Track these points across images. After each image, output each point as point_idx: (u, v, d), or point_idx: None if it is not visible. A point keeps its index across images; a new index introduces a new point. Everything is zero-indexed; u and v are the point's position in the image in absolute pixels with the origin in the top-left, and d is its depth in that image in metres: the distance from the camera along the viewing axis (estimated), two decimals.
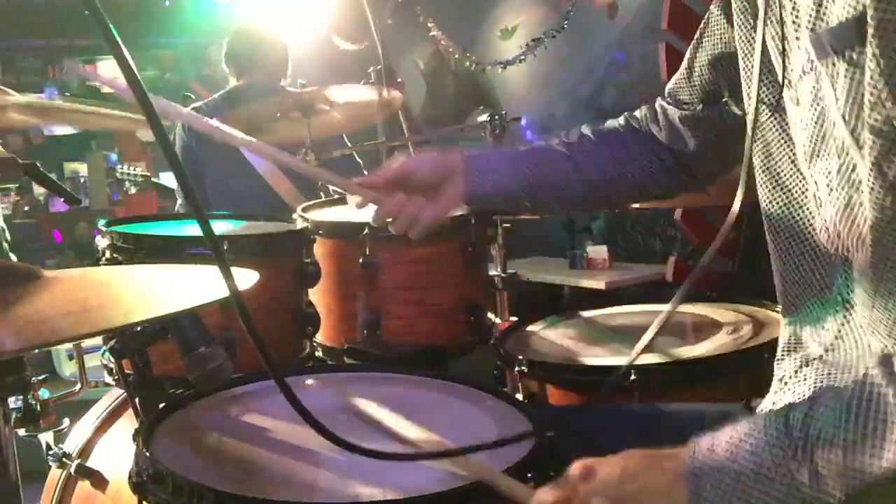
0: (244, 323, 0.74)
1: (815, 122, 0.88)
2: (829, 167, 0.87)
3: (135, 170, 4.55)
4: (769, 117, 1.04)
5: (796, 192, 1.02)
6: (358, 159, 3.31)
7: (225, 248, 1.57)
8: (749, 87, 1.07)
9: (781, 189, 1.04)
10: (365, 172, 3.30)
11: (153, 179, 4.62)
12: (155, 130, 0.65)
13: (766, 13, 0.96)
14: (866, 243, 0.84)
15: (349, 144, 2.91)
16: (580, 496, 0.88)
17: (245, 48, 3.38)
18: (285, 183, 3.13)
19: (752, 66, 1.04)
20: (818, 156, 0.89)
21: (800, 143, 0.94)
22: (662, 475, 0.86)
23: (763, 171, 1.06)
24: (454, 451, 1.02)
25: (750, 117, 0.97)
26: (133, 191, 4.69)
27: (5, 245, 2.99)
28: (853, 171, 0.84)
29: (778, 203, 1.05)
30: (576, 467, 0.90)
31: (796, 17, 0.89)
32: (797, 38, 0.89)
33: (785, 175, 1.04)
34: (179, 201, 3.42)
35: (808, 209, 1.00)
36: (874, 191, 0.80)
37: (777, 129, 1.04)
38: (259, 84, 3.29)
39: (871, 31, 0.75)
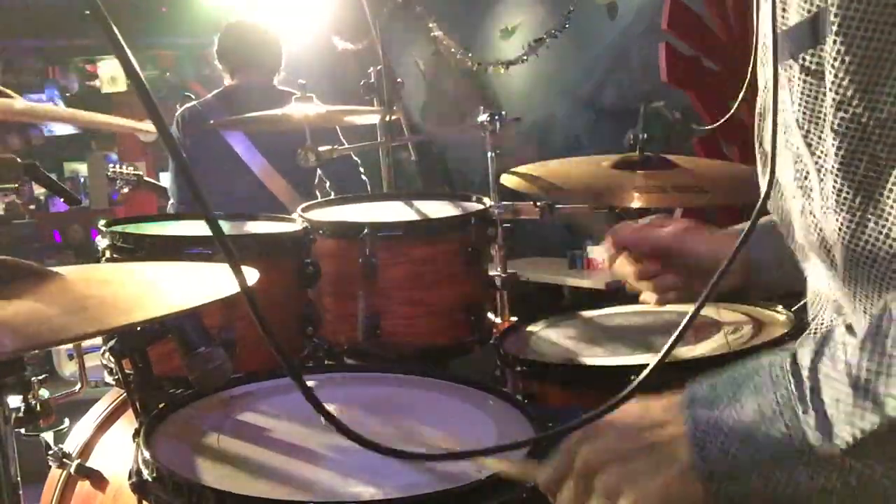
0: (257, 320, 0.73)
1: (782, 131, 0.87)
2: (788, 176, 0.87)
3: (127, 169, 4.51)
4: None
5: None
6: (355, 158, 3.31)
7: None
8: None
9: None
10: (362, 170, 3.31)
11: (146, 178, 4.57)
12: (160, 130, 0.65)
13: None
14: (829, 248, 0.83)
15: (348, 144, 2.91)
16: (582, 459, 0.85)
17: (238, 45, 3.34)
18: (281, 183, 3.12)
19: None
20: (784, 166, 0.89)
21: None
22: (662, 429, 0.82)
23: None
24: (470, 452, 1.01)
25: (768, 128, 0.96)
26: (125, 190, 4.66)
27: None
28: (805, 178, 0.83)
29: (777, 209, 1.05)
30: (575, 434, 0.87)
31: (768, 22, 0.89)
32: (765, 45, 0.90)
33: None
34: (172, 201, 3.39)
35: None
36: (842, 192, 0.78)
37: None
38: (253, 84, 3.26)
39: (834, 28, 0.74)
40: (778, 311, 1.77)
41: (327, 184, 3.27)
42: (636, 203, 1.80)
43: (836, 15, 0.74)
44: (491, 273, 2.00)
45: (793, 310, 1.72)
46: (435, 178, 5.91)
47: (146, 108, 0.63)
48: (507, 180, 1.97)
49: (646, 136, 2.02)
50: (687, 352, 1.60)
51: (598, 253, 4.68)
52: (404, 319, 1.80)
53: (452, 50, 5.48)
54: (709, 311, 1.84)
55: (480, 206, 1.96)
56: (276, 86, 3.30)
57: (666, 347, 0.83)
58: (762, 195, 0.84)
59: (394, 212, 2.06)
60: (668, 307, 1.92)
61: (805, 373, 0.75)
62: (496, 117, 2.03)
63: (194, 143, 3.17)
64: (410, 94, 5.86)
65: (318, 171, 3.25)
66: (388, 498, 0.99)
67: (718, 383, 0.81)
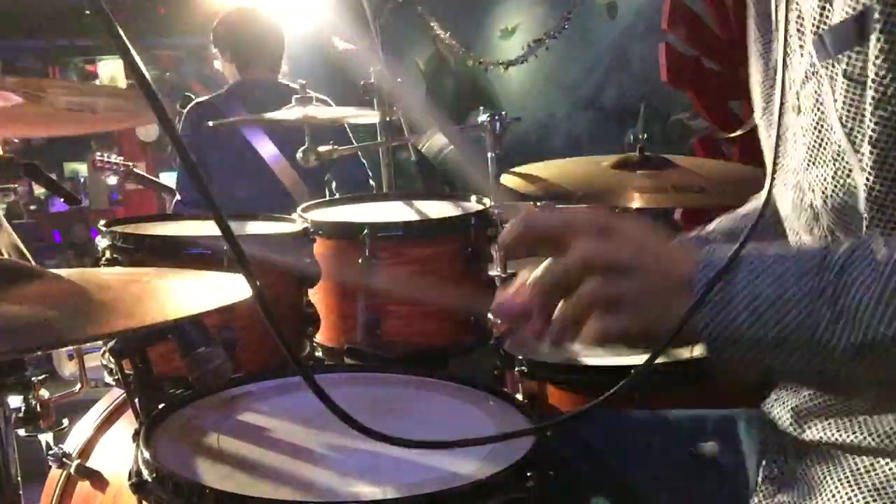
0: (269, 322, 0.73)
1: (815, 129, 0.88)
2: (825, 174, 0.87)
3: (116, 158, 4.37)
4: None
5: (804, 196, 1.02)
6: (363, 160, 3.31)
7: (225, 248, 1.57)
8: (767, 93, 1.07)
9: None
10: (370, 174, 3.30)
11: (135, 170, 4.41)
12: (166, 129, 0.65)
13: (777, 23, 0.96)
14: None
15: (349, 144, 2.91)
16: (581, 254, 0.82)
17: (244, 38, 3.29)
18: (293, 176, 3.10)
19: (769, 74, 1.04)
20: (814, 163, 0.89)
21: (798, 151, 0.94)
22: (674, 268, 0.82)
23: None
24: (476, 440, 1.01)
25: (775, 118, 0.95)
26: (112, 181, 4.55)
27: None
28: (849, 176, 0.84)
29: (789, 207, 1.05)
30: (591, 221, 0.84)
31: (801, 24, 0.89)
32: (801, 45, 0.90)
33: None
34: (177, 198, 3.36)
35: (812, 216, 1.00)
36: (874, 189, 0.80)
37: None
38: (260, 80, 3.25)
39: (878, 26, 0.75)
40: None
41: (334, 184, 3.25)
42: (636, 203, 1.80)
43: (880, 13, 0.75)
44: (491, 273, 2.00)
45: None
46: (435, 178, 5.91)
47: (151, 106, 0.63)
48: (507, 180, 1.97)
49: (646, 135, 2.02)
50: (687, 352, 1.60)
51: None
52: (404, 319, 1.80)
53: (454, 50, 5.48)
54: None
55: (480, 206, 1.96)
56: (281, 80, 3.29)
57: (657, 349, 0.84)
58: (765, 194, 0.85)
59: (394, 212, 2.06)
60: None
61: (830, 274, 0.76)
62: (496, 117, 2.03)
63: (208, 139, 3.14)
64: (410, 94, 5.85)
65: (327, 173, 3.25)
66: (388, 498, 0.99)
67: (741, 259, 0.80)
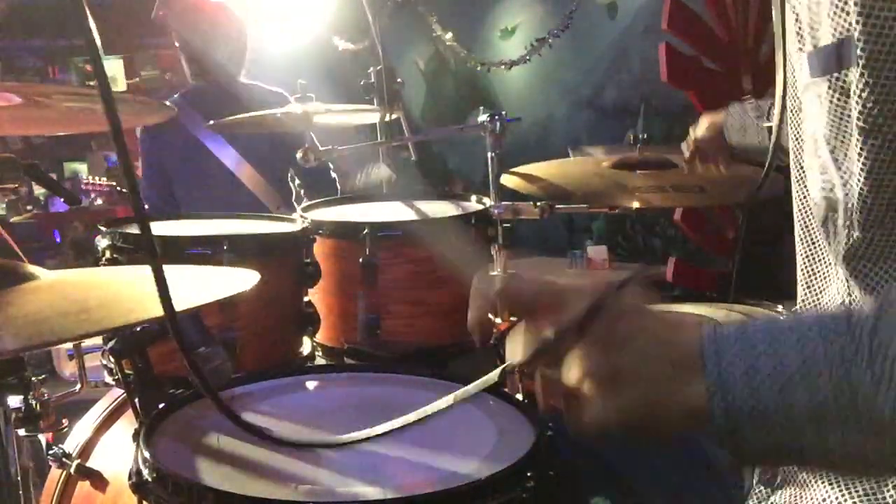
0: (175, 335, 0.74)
1: (811, 137, 0.88)
2: (815, 180, 0.88)
3: (100, 179, 4.44)
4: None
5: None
6: (330, 164, 3.21)
7: (225, 248, 1.57)
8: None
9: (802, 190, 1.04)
10: (332, 165, 3.24)
11: (119, 189, 4.45)
12: (115, 136, 0.65)
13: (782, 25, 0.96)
14: (850, 255, 0.84)
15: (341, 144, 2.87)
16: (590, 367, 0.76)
17: (205, 45, 3.16)
18: (260, 182, 3.06)
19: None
20: (811, 168, 0.90)
21: (797, 151, 0.94)
22: (677, 335, 0.73)
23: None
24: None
25: (775, 122, 0.96)
26: (99, 202, 4.60)
27: None
28: (831, 190, 0.84)
29: (800, 204, 1.05)
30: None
31: (800, 29, 0.89)
32: (800, 50, 0.90)
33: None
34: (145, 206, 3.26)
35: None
36: (872, 211, 0.79)
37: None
38: (218, 83, 3.13)
39: (861, 61, 0.74)
40: (778, 312, 1.77)
41: (296, 181, 3.18)
42: (636, 203, 1.80)
43: (862, 49, 0.74)
44: (491, 273, 1.99)
45: (792, 311, 1.72)
46: (435, 178, 5.91)
47: (106, 112, 0.62)
48: (508, 180, 1.97)
49: (646, 135, 2.02)
50: None
51: (597, 253, 4.68)
52: (404, 319, 1.80)
53: (457, 50, 5.48)
54: (710, 311, 1.84)
55: (480, 206, 1.96)
56: (241, 80, 3.16)
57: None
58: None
59: (394, 212, 2.06)
60: (667, 306, 1.93)
61: (863, 336, 0.67)
62: (496, 117, 2.03)
63: (166, 145, 3.05)
64: (410, 94, 5.86)
65: (290, 169, 3.17)
66: (388, 498, 0.99)
67: (753, 323, 0.72)
